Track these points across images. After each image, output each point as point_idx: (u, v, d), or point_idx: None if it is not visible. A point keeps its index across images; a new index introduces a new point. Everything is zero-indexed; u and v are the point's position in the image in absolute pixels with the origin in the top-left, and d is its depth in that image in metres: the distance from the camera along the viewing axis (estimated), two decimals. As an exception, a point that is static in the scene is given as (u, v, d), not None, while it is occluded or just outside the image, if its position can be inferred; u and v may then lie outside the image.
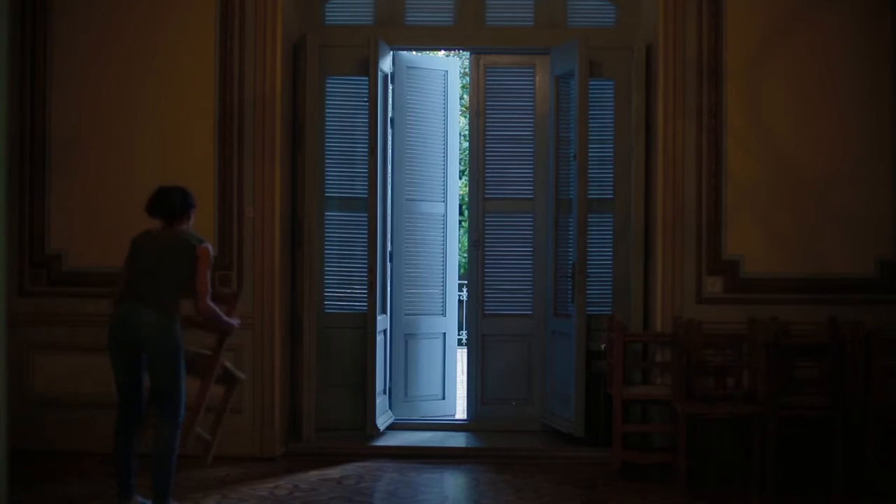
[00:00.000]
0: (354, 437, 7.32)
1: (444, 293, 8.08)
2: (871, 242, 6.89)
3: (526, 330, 7.73)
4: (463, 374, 8.75)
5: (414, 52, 8.16)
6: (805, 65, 6.94)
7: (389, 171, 7.73)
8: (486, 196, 7.78)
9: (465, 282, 8.44)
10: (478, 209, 7.80)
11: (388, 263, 7.74)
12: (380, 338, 7.44)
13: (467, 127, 9.13)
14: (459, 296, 9.16)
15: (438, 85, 8.03)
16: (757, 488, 5.88)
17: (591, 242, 7.29)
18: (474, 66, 7.85)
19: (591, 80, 7.24)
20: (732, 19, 6.94)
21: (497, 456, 6.99)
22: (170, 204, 5.55)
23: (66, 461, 6.67)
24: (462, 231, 12.27)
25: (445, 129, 8.06)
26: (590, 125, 7.21)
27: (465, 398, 8.13)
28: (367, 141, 7.39)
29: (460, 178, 11.19)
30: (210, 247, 5.50)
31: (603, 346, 7.12)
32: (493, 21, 7.69)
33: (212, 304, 5.42)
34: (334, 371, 7.57)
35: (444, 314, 8.10)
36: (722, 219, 6.91)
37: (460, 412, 8.29)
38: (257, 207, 6.97)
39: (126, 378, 5.47)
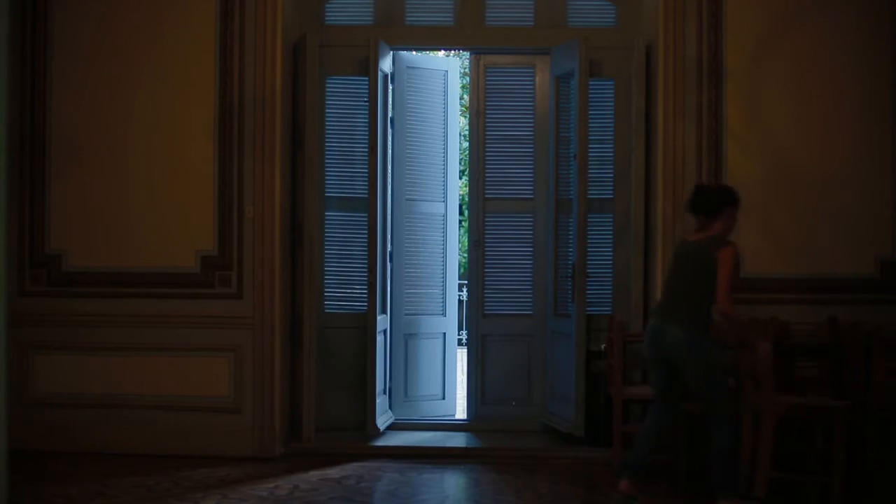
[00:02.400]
0: (354, 437, 7.32)
1: (444, 293, 8.08)
2: (871, 242, 6.89)
3: (526, 330, 7.73)
4: (463, 374, 8.76)
5: (414, 52, 8.16)
6: (805, 65, 6.94)
7: (389, 171, 7.73)
8: (486, 196, 7.78)
9: (465, 282, 8.44)
10: (478, 209, 7.80)
11: (388, 263, 7.75)
12: (380, 338, 7.44)
13: (467, 127, 9.13)
14: (459, 296, 9.15)
15: (438, 85, 8.03)
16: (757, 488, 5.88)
17: (591, 242, 7.29)
18: (474, 66, 7.85)
19: (591, 80, 7.24)
20: (732, 19, 6.94)
21: (497, 456, 7.00)
22: (703, 201, 5.63)
23: (66, 461, 6.67)
24: (462, 231, 12.27)
25: (445, 129, 8.06)
26: (590, 125, 7.21)
27: (465, 398, 8.13)
28: (367, 141, 7.39)
29: (460, 178, 11.19)
30: (733, 248, 5.47)
31: (603, 346, 7.12)
32: (493, 21, 7.69)
33: (730, 305, 5.42)
34: (334, 371, 7.57)
35: (444, 314, 8.10)
36: (722, 219, 6.90)
37: (460, 412, 8.30)
38: (257, 207, 6.97)
39: (662, 385, 5.67)
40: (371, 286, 7.29)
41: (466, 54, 9.98)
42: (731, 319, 5.53)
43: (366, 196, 7.38)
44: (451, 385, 8.19)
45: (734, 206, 5.64)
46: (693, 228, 5.79)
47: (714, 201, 5.63)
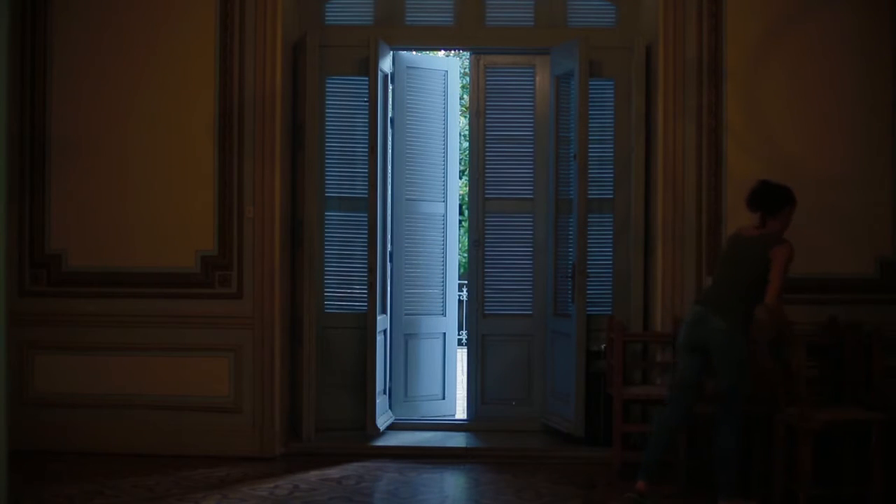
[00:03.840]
0: (354, 437, 7.32)
1: (444, 293, 8.08)
2: (871, 242, 6.88)
3: (526, 330, 7.72)
4: (463, 374, 8.75)
5: (414, 52, 8.16)
6: (805, 64, 6.94)
7: (389, 171, 7.73)
8: (486, 196, 7.78)
9: (465, 282, 8.44)
10: (478, 209, 7.80)
11: (388, 263, 7.75)
12: (380, 338, 7.44)
13: (467, 127, 9.13)
14: (459, 296, 9.16)
15: (438, 85, 8.03)
16: (757, 488, 5.88)
17: (591, 242, 7.29)
18: (474, 66, 7.85)
19: (591, 80, 7.24)
20: (732, 19, 6.94)
21: (497, 456, 7.00)
22: (766, 197, 5.71)
23: (67, 461, 6.67)
24: (462, 231, 12.27)
25: (445, 129, 8.06)
26: (590, 125, 7.20)
27: (465, 398, 8.13)
28: (367, 141, 7.39)
29: (460, 178, 11.19)
30: (789, 247, 5.57)
31: (603, 346, 7.12)
32: (493, 21, 7.69)
33: (780, 303, 5.51)
34: (334, 371, 7.57)
35: (444, 314, 8.10)
36: (722, 219, 6.91)
37: (460, 412, 8.30)
38: (257, 207, 6.97)
39: (688, 374, 5.66)
40: (371, 286, 7.29)
41: (466, 54, 9.99)
42: (779, 317, 5.57)
43: (366, 196, 7.38)
44: (451, 385, 8.19)
45: (793, 207, 5.74)
46: (751, 223, 5.79)
47: (778, 199, 5.71)
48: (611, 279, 7.48)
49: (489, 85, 7.79)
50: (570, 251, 7.34)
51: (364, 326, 7.39)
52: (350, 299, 7.63)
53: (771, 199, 5.71)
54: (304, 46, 7.23)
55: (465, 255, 10.51)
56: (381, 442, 7.28)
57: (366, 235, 7.38)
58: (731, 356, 5.50)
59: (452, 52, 11.32)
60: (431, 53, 9.95)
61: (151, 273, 7.00)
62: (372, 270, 7.27)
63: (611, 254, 7.49)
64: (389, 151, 7.72)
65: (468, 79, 8.67)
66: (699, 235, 6.92)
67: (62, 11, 7.04)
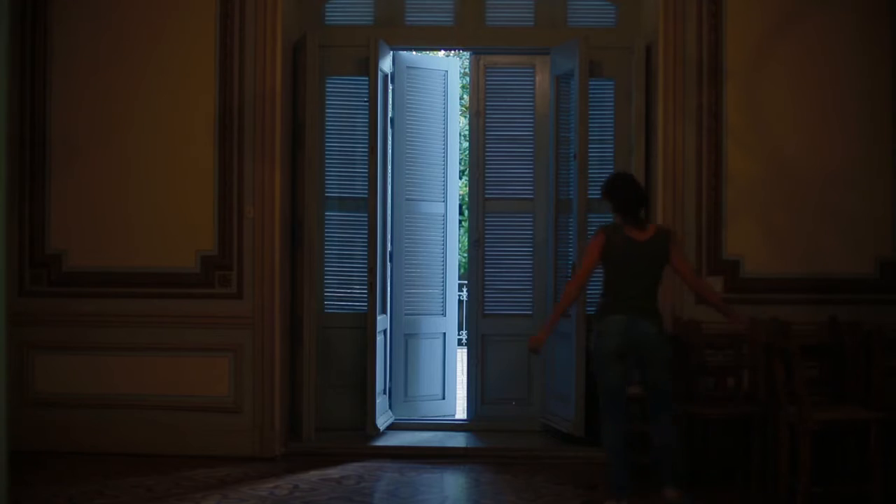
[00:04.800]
0: (354, 437, 7.32)
1: (444, 293, 8.08)
2: (870, 242, 6.89)
3: (526, 330, 7.68)
4: (463, 374, 8.75)
5: (414, 52, 8.16)
6: (805, 65, 6.94)
7: (389, 171, 7.73)
8: (486, 196, 7.78)
9: (465, 282, 8.44)
10: (478, 209, 7.80)
11: (388, 263, 7.74)
12: (380, 338, 7.44)
13: (467, 127, 9.13)
14: (459, 296, 9.16)
15: (438, 85, 8.03)
16: (757, 488, 5.88)
17: (591, 242, 7.28)
18: (474, 66, 7.85)
19: (591, 80, 7.24)
20: (732, 19, 6.94)
21: (497, 456, 6.99)
22: (642, 193, 5.78)
23: (67, 461, 6.67)
24: (462, 231, 12.27)
25: (445, 129, 8.06)
26: (590, 125, 7.20)
27: (465, 398, 8.13)
28: (367, 141, 7.39)
29: (460, 178, 11.19)
30: (676, 235, 5.84)
31: (603, 346, 7.10)
32: (493, 21, 7.69)
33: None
34: (334, 371, 7.57)
35: (444, 314, 8.10)
36: (722, 219, 6.91)
37: (460, 412, 8.30)
38: (257, 207, 6.97)
39: (619, 380, 5.60)
40: (371, 286, 7.29)
41: (466, 54, 9.98)
42: (726, 308, 5.78)
43: (366, 196, 7.38)
44: (451, 385, 8.19)
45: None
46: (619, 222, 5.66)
47: (644, 193, 5.80)
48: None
49: (489, 85, 7.79)
50: (570, 251, 7.34)
51: (364, 326, 7.39)
52: (350, 299, 7.63)
53: (643, 195, 5.74)
54: (304, 46, 7.23)
55: (465, 255, 10.51)
56: (381, 442, 7.28)
57: (366, 235, 7.38)
58: (664, 356, 5.55)
59: (452, 52, 11.32)
60: (431, 53, 9.94)
61: (151, 273, 7.00)
62: (372, 270, 7.27)
63: (611, 254, 7.48)
64: (389, 151, 7.72)
65: (468, 79, 8.67)
66: (699, 235, 6.92)
67: (62, 12, 7.04)
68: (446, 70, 8.13)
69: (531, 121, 7.74)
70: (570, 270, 7.27)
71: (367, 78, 7.37)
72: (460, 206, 10.21)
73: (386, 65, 7.53)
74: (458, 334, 9.62)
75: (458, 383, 8.51)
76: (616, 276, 5.62)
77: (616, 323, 5.53)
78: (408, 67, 7.90)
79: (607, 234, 5.65)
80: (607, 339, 5.54)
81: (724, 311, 5.78)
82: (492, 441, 7.35)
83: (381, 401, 7.44)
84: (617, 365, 5.54)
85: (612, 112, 7.52)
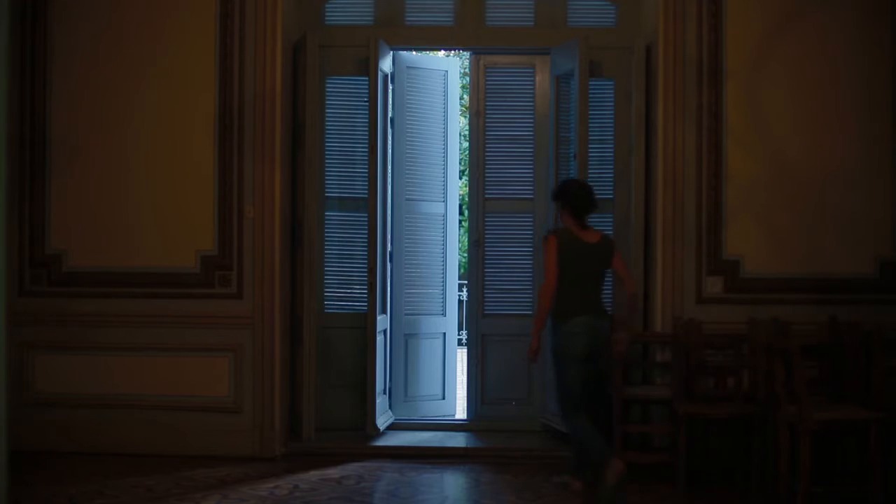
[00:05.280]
0: (354, 437, 7.32)
1: (444, 293, 8.08)
2: (871, 242, 6.89)
3: (526, 330, 7.63)
4: (463, 374, 8.75)
5: (414, 52, 8.16)
6: (805, 65, 6.94)
7: (389, 171, 7.73)
8: (486, 196, 7.78)
9: (465, 282, 8.43)
10: (478, 209, 7.80)
11: (388, 263, 7.75)
12: (380, 338, 7.44)
13: (467, 127, 9.13)
14: (459, 296, 9.16)
15: (438, 85, 8.03)
16: (757, 488, 5.88)
17: (591, 242, 7.28)
18: (474, 66, 7.85)
19: (591, 80, 7.24)
20: (732, 19, 6.94)
21: (497, 456, 7.00)
22: (594, 198, 6.12)
23: (67, 461, 6.67)
24: (462, 231, 12.27)
25: (445, 129, 8.06)
26: (590, 125, 7.20)
27: (465, 398, 8.13)
28: (367, 141, 7.39)
29: (460, 178, 11.19)
30: (549, 236, 5.98)
31: (603, 346, 7.11)
32: (493, 21, 7.69)
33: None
34: (334, 371, 7.57)
35: (444, 314, 8.10)
36: (722, 219, 6.91)
37: (460, 412, 8.30)
38: (257, 207, 6.97)
39: (582, 380, 5.89)
40: (371, 286, 7.29)
41: (466, 54, 9.98)
42: (628, 323, 6.19)
43: (366, 196, 7.38)
44: (451, 385, 8.19)
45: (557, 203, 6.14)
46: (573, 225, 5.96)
47: (596, 199, 6.08)
48: (611, 279, 7.47)
49: (489, 85, 7.79)
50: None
51: (364, 326, 7.39)
52: (350, 299, 7.63)
53: (596, 199, 6.05)
54: (304, 46, 7.23)
55: (465, 255, 10.51)
56: (381, 442, 7.28)
57: (366, 235, 7.38)
58: (606, 349, 6.03)
59: (452, 52, 11.32)
60: (431, 53, 9.95)
61: (151, 273, 7.00)
62: (372, 270, 7.27)
63: (611, 254, 7.48)
64: (389, 151, 7.72)
65: (468, 79, 8.67)
66: (699, 235, 6.92)
67: (62, 12, 7.04)
68: (446, 70, 8.13)
69: (531, 121, 7.74)
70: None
71: (367, 78, 7.37)
72: (460, 206, 10.21)
73: (386, 65, 7.53)
74: (458, 334, 9.62)
75: (458, 383, 8.51)
76: (573, 277, 5.86)
77: (583, 324, 5.81)
78: (408, 67, 7.90)
79: (560, 238, 5.90)
80: (577, 340, 5.80)
81: (626, 324, 6.15)
82: (492, 441, 7.35)
83: (381, 401, 7.44)
84: (584, 364, 5.83)
85: (612, 112, 7.52)
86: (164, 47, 7.03)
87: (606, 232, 7.44)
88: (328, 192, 7.61)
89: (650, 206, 7.20)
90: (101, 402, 6.98)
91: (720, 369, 6.46)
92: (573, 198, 5.94)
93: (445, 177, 8.07)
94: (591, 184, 7.17)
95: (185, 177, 7.01)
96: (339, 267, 7.64)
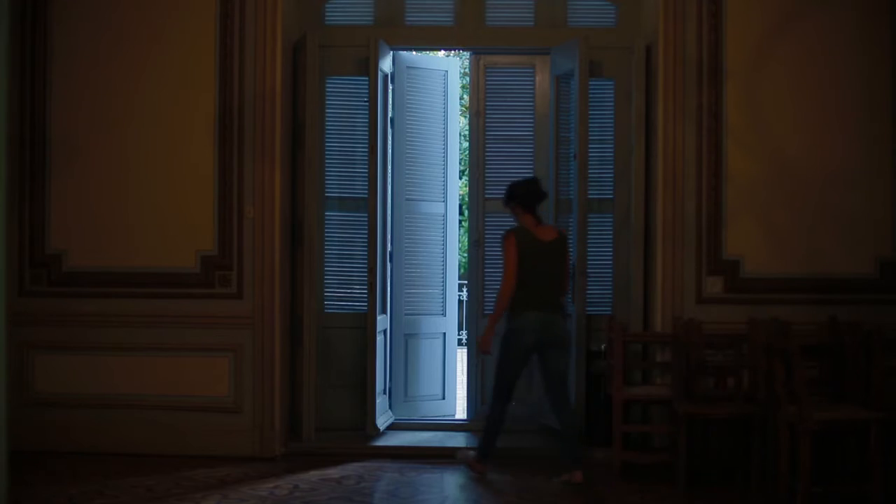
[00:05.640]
0: (354, 437, 7.32)
1: (444, 293, 8.08)
2: (871, 242, 6.89)
3: (526, 330, 7.71)
4: (463, 374, 8.75)
5: (414, 52, 8.16)
6: (805, 65, 6.94)
7: (389, 171, 7.73)
8: (486, 196, 7.78)
9: (465, 282, 8.43)
10: (478, 209, 7.80)
11: (388, 263, 7.75)
12: (380, 338, 7.44)
13: (467, 127, 9.13)
14: (459, 296, 9.15)
15: (438, 85, 8.03)
16: (757, 488, 5.88)
17: (590, 242, 7.29)
18: (474, 66, 7.85)
19: (591, 80, 7.24)
20: (732, 19, 6.94)
21: (497, 456, 6.98)
22: (542, 193, 6.50)
23: (66, 461, 6.67)
24: (462, 231, 12.26)
25: (445, 129, 8.06)
26: (590, 125, 7.21)
27: (465, 398, 8.13)
28: (367, 141, 7.39)
29: (460, 178, 11.18)
30: (508, 235, 6.30)
31: (603, 346, 7.12)
32: (493, 21, 7.69)
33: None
34: (334, 371, 7.57)
35: (444, 314, 8.10)
36: (722, 219, 6.92)
37: (460, 412, 8.30)
38: (257, 207, 6.97)
39: (520, 371, 6.39)
40: (371, 286, 7.29)
41: (466, 54, 9.98)
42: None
43: (366, 196, 7.38)
44: (451, 385, 8.19)
45: (513, 201, 6.46)
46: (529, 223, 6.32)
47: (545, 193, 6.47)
48: (611, 279, 7.49)
49: (489, 85, 7.79)
50: (570, 251, 7.33)
51: (364, 326, 7.39)
52: (350, 299, 7.63)
53: (544, 196, 6.42)
54: (304, 46, 7.23)
55: (465, 255, 10.50)
56: (381, 442, 7.28)
57: (366, 235, 7.38)
58: (568, 347, 6.37)
59: (452, 52, 11.32)
60: (431, 53, 9.95)
61: (151, 273, 7.00)
62: (372, 270, 7.27)
63: (611, 254, 7.49)
64: (389, 151, 7.72)
65: (468, 79, 8.67)
66: (699, 235, 6.92)
67: (62, 12, 7.04)
68: (446, 70, 8.13)
69: (531, 121, 7.74)
70: (570, 270, 7.27)
71: (367, 78, 7.37)
72: (460, 206, 10.21)
73: (386, 65, 7.53)
74: (458, 334, 9.61)
75: (458, 383, 8.51)
76: (528, 274, 6.18)
77: (533, 320, 6.15)
78: (408, 67, 7.90)
79: (517, 236, 6.24)
80: (525, 336, 6.17)
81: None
82: (492, 441, 7.34)
83: (381, 401, 7.44)
84: (528, 359, 6.25)
85: (612, 112, 7.52)
86: (164, 47, 7.03)
87: (607, 231, 7.50)
88: (328, 192, 7.61)
89: (650, 206, 7.20)
90: (101, 402, 6.98)
91: (720, 369, 6.45)
92: (521, 195, 6.31)
93: (445, 177, 8.07)
94: (591, 184, 7.27)
95: (185, 177, 7.01)
96: (339, 267, 7.64)
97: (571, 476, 6.17)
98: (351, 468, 6.66)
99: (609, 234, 7.51)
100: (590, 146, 7.22)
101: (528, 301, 6.17)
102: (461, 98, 12.11)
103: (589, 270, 7.20)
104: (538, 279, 6.19)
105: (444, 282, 8.08)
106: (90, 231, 7.04)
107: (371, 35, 7.38)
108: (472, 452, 6.57)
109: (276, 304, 6.98)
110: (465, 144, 11.68)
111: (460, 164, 10.66)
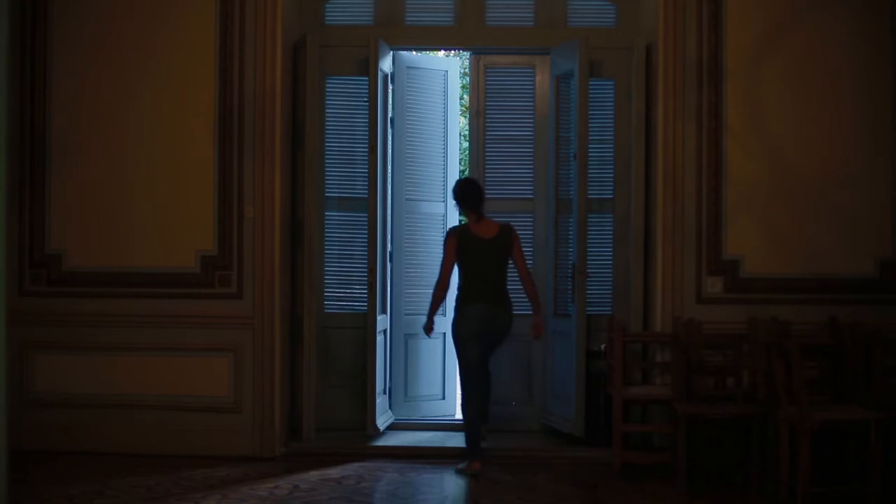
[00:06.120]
0: (354, 437, 7.32)
1: (444, 293, 8.07)
2: (871, 242, 6.89)
3: (526, 330, 7.69)
4: (463, 374, 8.73)
5: (414, 52, 8.16)
6: (805, 65, 6.94)
7: (389, 171, 7.73)
8: (487, 196, 7.75)
9: (465, 282, 8.39)
10: (478, 209, 7.79)
11: (388, 263, 7.74)
12: (380, 338, 7.44)
13: (467, 127, 9.13)
14: (459, 296, 9.13)
15: (438, 85, 8.03)
16: (757, 488, 5.89)
17: (591, 242, 7.29)
18: (474, 66, 7.85)
19: (591, 80, 7.24)
20: (732, 19, 6.94)
21: (497, 456, 6.99)
22: (481, 193, 6.88)
23: (66, 461, 6.67)
24: (462, 231, 12.23)
25: (445, 129, 8.06)
26: (590, 125, 7.21)
27: (465, 398, 8.11)
28: (367, 141, 7.39)
29: (460, 178, 11.16)
30: (448, 234, 6.84)
31: (603, 346, 7.12)
32: (493, 21, 7.69)
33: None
34: (334, 371, 7.57)
35: (443, 314, 8.07)
36: (722, 219, 6.92)
37: (460, 412, 8.27)
38: (257, 207, 6.97)
39: (478, 355, 6.68)
40: (371, 286, 7.28)
41: (466, 54, 9.98)
42: (537, 307, 6.86)
43: (366, 196, 7.38)
44: (451, 385, 8.18)
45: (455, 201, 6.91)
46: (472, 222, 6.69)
47: (483, 193, 6.79)
48: (611, 279, 7.48)
49: (489, 85, 7.79)
50: (570, 251, 7.34)
51: (364, 326, 7.39)
52: (350, 299, 7.63)
53: (482, 194, 6.75)
54: (304, 46, 7.23)
55: (465, 255, 10.47)
56: (381, 442, 7.28)
57: (366, 235, 7.38)
58: (507, 334, 6.74)
59: (452, 52, 11.32)
60: (431, 53, 9.95)
61: (151, 273, 7.00)
62: (372, 270, 7.27)
63: (611, 254, 7.49)
64: (389, 151, 7.72)
65: (468, 79, 8.67)
66: (699, 235, 6.92)
67: (62, 12, 7.04)
68: (446, 70, 8.13)
69: (531, 121, 7.74)
70: (570, 270, 7.28)
71: (367, 78, 7.36)
72: (460, 206, 10.18)
73: (386, 65, 7.53)
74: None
75: (458, 383, 8.49)
76: (470, 270, 6.63)
77: (476, 312, 6.55)
78: (408, 67, 7.90)
79: (458, 235, 6.67)
80: (468, 324, 6.57)
81: (536, 308, 6.85)
82: (492, 441, 7.33)
83: (381, 401, 7.44)
84: (475, 345, 6.57)
85: (612, 112, 7.52)
86: (164, 47, 7.03)
87: (607, 231, 7.49)
88: (328, 192, 7.61)
89: (650, 206, 7.20)
90: (101, 402, 6.98)
91: (720, 369, 6.46)
92: (457, 196, 6.80)
93: (445, 177, 8.07)
94: (591, 184, 7.27)
95: (185, 177, 7.01)
96: (339, 267, 7.64)
97: (469, 465, 6.52)
98: (351, 468, 6.66)
99: (609, 234, 7.51)
100: (590, 146, 7.22)
101: (470, 294, 6.60)
102: (461, 98, 12.11)
103: (589, 270, 7.20)
104: (479, 274, 6.60)
105: (444, 282, 8.06)
106: (90, 231, 7.04)
107: (371, 35, 7.38)
108: (463, 464, 6.62)
109: (275, 304, 6.98)
110: (465, 144, 11.68)
111: (460, 164, 10.64)
